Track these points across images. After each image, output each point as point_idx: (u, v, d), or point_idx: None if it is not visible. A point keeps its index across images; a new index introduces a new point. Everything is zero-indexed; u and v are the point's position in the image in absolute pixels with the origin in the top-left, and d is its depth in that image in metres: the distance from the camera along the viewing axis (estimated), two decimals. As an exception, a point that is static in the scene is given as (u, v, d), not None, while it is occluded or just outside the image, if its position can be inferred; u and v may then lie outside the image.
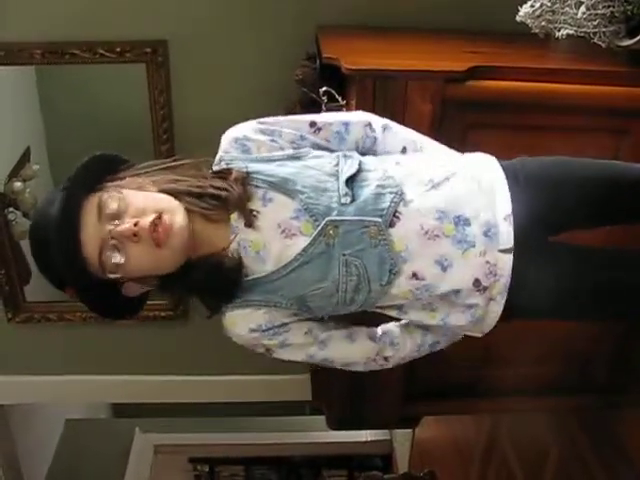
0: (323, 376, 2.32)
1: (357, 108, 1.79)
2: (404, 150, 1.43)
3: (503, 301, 1.34)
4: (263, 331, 1.30)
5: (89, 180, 1.23)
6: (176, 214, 1.21)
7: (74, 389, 3.25)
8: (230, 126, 1.38)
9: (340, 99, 1.86)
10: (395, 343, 1.40)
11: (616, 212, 1.48)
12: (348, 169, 1.29)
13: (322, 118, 1.42)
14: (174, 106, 2.43)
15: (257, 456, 5.38)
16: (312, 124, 1.38)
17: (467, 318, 1.36)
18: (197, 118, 2.45)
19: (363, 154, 1.38)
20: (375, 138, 1.42)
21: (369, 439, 5.15)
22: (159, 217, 1.19)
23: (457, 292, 1.32)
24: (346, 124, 1.40)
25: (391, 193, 1.28)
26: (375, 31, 2.17)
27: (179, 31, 2.31)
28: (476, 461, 3.44)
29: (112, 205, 1.19)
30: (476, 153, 1.45)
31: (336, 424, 2.56)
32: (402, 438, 4.76)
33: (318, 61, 2.01)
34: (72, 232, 1.17)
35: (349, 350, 1.38)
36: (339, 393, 2.30)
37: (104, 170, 1.28)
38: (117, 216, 1.19)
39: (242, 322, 1.30)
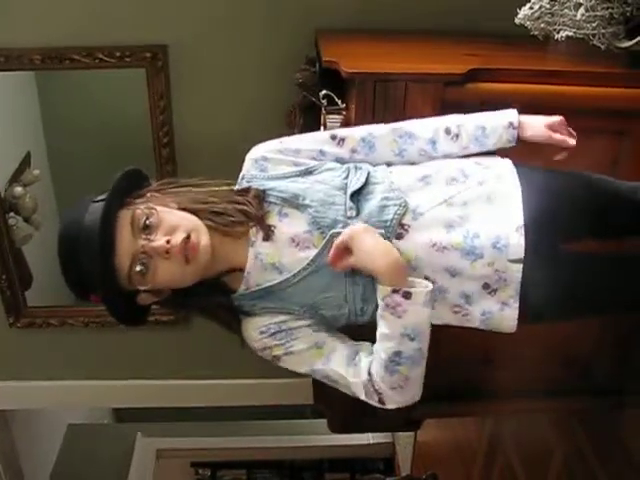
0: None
1: (357, 111, 1.79)
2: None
3: (517, 305, 1.35)
4: (272, 334, 1.33)
5: (122, 194, 1.31)
6: (202, 233, 1.29)
7: (76, 394, 3.24)
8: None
9: (340, 102, 1.86)
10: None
11: (616, 228, 1.52)
12: (355, 183, 1.33)
13: (343, 130, 1.45)
14: (174, 110, 2.43)
15: (259, 460, 5.37)
16: (333, 137, 1.42)
17: (478, 325, 1.38)
18: (197, 122, 2.45)
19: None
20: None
21: (371, 442, 5.15)
22: (188, 236, 1.26)
23: (467, 297, 1.34)
24: (371, 132, 1.42)
25: (395, 205, 1.31)
26: (374, 34, 2.17)
27: (179, 36, 2.31)
28: (478, 463, 3.43)
29: (145, 221, 1.27)
30: (492, 159, 1.44)
31: (338, 428, 2.56)
32: (404, 441, 4.76)
33: (318, 65, 2.02)
34: (109, 244, 1.25)
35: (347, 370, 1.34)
36: (341, 396, 2.28)
37: (132, 185, 1.35)
38: (149, 232, 1.27)
39: (256, 326, 1.34)
